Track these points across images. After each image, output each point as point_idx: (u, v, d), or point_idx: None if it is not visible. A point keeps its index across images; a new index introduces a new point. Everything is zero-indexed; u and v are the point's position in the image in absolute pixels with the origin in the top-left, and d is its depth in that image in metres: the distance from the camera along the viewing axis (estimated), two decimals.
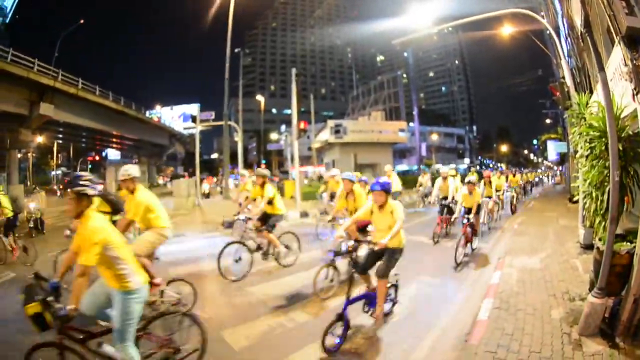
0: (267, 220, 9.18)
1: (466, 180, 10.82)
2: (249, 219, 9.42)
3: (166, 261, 9.16)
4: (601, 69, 5.57)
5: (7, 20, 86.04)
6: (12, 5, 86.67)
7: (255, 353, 5.29)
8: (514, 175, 21.18)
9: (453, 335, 5.57)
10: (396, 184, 16.39)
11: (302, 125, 26.93)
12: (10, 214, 10.95)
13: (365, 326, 5.72)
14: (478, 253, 10.67)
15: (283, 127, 78.32)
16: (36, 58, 34.43)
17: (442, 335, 5.64)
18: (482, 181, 13.82)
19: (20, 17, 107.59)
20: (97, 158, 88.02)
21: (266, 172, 10.25)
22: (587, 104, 6.83)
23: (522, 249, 10.35)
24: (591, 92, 9.50)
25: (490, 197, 13.86)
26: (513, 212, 19.01)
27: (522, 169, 66.26)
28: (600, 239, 5.69)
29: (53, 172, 71.32)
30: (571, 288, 6.85)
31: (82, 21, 39.31)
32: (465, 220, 9.84)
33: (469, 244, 9.91)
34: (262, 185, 9.35)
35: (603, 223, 5.57)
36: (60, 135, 58.29)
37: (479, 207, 10.63)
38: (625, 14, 5.49)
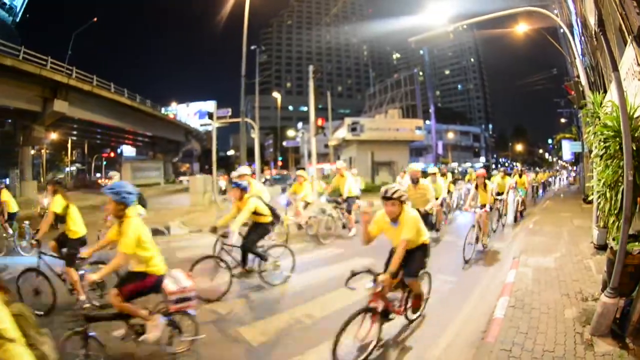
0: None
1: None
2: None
3: (184, 257, 9.44)
4: (615, 68, 5.53)
5: (18, 19, 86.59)
6: (22, 5, 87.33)
7: (273, 349, 5.37)
8: (521, 176, 18.13)
9: (469, 333, 5.64)
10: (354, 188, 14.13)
11: (319, 122, 26.92)
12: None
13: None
14: (493, 251, 10.79)
15: (300, 124, 78.29)
16: (49, 56, 34.86)
17: (458, 333, 5.71)
18: (475, 183, 11.89)
19: (33, 16, 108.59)
20: (112, 154, 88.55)
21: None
22: (601, 103, 6.79)
23: (537, 248, 10.30)
24: (605, 91, 9.46)
25: (483, 206, 10.76)
26: (516, 219, 16.57)
27: (538, 168, 65.57)
28: (613, 239, 5.66)
29: (67, 169, 71.77)
30: (584, 288, 6.86)
31: (95, 19, 39.77)
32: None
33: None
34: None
35: (617, 223, 5.56)
36: (75, 132, 59.26)
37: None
38: (637, 13, 5.47)
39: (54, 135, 52.74)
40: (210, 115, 30.13)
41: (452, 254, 10.18)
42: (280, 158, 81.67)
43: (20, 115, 36.41)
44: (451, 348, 5.23)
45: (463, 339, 5.49)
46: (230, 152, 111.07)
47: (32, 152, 43.92)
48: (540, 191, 28.53)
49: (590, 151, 7.06)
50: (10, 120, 39.87)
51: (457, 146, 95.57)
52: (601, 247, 9.08)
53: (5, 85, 31.84)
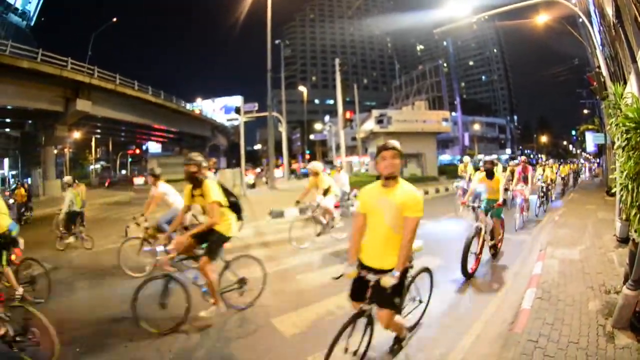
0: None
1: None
2: None
3: None
4: (633, 60, 5.74)
5: (32, 23, 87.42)
6: (36, 9, 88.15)
7: (305, 340, 5.40)
8: (525, 172, 14.22)
9: (498, 323, 5.72)
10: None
11: (347, 115, 26.54)
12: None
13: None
14: (520, 241, 11.12)
15: (327, 117, 78.10)
16: (69, 57, 35.50)
17: (487, 324, 5.78)
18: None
19: (51, 18, 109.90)
20: (137, 151, 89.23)
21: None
22: (622, 95, 6.68)
23: (563, 240, 10.38)
24: (625, 82, 9.24)
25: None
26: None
27: (561, 160, 64.51)
28: (635, 231, 5.61)
29: (91, 167, 72.29)
30: (607, 280, 6.94)
31: (114, 20, 39.69)
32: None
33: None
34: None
35: (638, 215, 5.46)
36: (99, 130, 59.97)
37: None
38: None
39: (77, 134, 53.41)
40: (238, 110, 30.24)
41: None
42: (307, 151, 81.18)
43: (41, 115, 37.05)
44: (480, 339, 5.27)
45: (492, 329, 5.56)
46: (257, 147, 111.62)
47: (55, 151, 44.48)
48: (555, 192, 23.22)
49: (613, 143, 6.93)
50: (30, 121, 40.17)
51: (483, 138, 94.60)
52: (623, 240, 9.09)
53: (23, 87, 32.45)
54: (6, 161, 48.76)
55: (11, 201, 19.73)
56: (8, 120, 41.69)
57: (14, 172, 50.11)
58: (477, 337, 5.33)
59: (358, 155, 52.59)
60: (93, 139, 67.23)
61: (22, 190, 20.74)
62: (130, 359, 5.04)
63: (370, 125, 47.14)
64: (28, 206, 20.77)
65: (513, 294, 6.88)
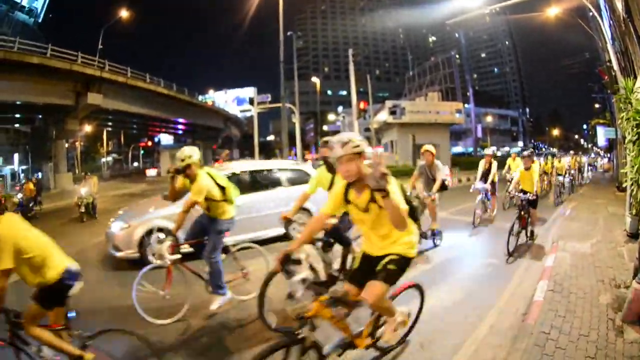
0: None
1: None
2: None
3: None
4: None
5: (40, 20, 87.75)
6: (44, 5, 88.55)
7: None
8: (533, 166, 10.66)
9: (511, 314, 5.77)
10: None
11: (362, 105, 26.32)
12: None
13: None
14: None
15: (340, 108, 77.90)
16: (79, 51, 35.68)
17: (500, 314, 5.81)
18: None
19: (60, 14, 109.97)
20: (149, 143, 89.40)
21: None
22: (632, 89, 6.76)
23: (574, 234, 10.45)
24: (635, 77, 9.39)
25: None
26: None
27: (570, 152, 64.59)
28: None
29: (103, 159, 72.58)
30: (617, 275, 6.98)
31: (122, 14, 39.67)
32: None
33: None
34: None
35: None
36: (110, 123, 60.02)
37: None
38: None
39: (88, 128, 53.36)
40: (251, 101, 30.30)
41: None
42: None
43: (52, 110, 37.11)
44: (494, 329, 5.30)
45: (505, 320, 5.60)
46: (270, 137, 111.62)
47: (66, 145, 44.69)
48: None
49: (624, 137, 7.08)
50: (40, 116, 40.30)
51: (495, 130, 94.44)
52: (633, 235, 9.16)
53: (33, 82, 32.59)
54: (16, 156, 48.88)
55: (20, 195, 19.76)
56: (18, 115, 41.78)
57: (24, 167, 50.28)
58: (491, 327, 5.38)
59: (372, 146, 52.52)
60: (104, 132, 67.36)
61: (31, 185, 20.90)
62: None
63: (383, 116, 47.11)
64: (37, 200, 20.92)
65: (526, 285, 6.97)
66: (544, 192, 19.25)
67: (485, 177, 12.67)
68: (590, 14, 16.48)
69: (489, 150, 14.02)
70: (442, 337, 5.04)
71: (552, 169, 21.03)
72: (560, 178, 18.73)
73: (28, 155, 47.21)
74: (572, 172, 17.51)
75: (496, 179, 13.21)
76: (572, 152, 40.95)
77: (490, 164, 12.71)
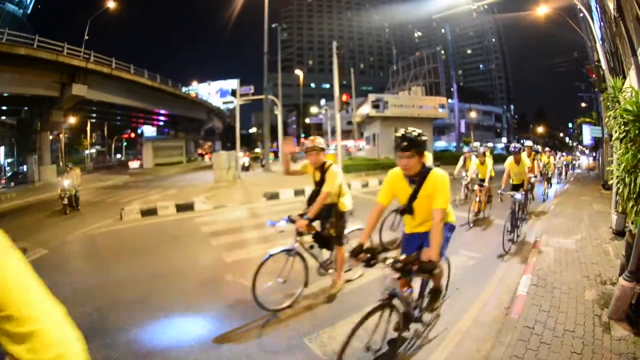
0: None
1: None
2: None
3: (208, 232, 10.31)
4: (634, 53, 5.82)
5: (29, 11, 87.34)
6: None
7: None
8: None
9: (494, 307, 5.82)
10: None
11: (344, 98, 26.44)
12: None
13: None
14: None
15: (323, 101, 77.92)
16: (65, 42, 35.62)
17: (483, 308, 5.84)
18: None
19: (48, 5, 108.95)
20: (132, 135, 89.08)
21: None
22: (620, 89, 6.86)
23: (558, 230, 10.53)
24: (624, 77, 9.31)
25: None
26: None
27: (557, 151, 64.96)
28: (632, 222, 5.76)
29: (86, 152, 72.19)
30: (603, 271, 7.05)
31: (111, 4, 39.45)
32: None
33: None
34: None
35: (635, 207, 5.64)
36: (94, 115, 60.14)
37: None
38: None
39: (72, 119, 52.99)
40: (234, 93, 30.19)
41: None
42: (302, 135, 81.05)
43: (37, 101, 37.02)
44: (477, 322, 5.33)
45: (488, 313, 5.63)
46: (253, 130, 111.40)
47: (51, 137, 44.24)
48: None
49: (610, 136, 7.30)
50: (26, 108, 40.07)
51: (479, 126, 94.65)
52: (619, 233, 9.26)
53: (20, 74, 32.53)
54: (2, 149, 48.65)
55: None
56: (4, 107, 41.53)
57: (9, 160, 49.98)
58: (474, 320, 5.40)
59: (354, 140, 52.71)
60: (88, 124, 66.73)
61: None
62: None
63: (366, 109, 47.34)
64: None
65: (508, 279, 7.02)
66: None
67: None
68: (581, 14, 16.71)
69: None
70: (425, 329, 4.98)
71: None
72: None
73: (14, 148, 46.99)
74: (535, 178, 13.19)
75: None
76: (543, 147, 36.69)
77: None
